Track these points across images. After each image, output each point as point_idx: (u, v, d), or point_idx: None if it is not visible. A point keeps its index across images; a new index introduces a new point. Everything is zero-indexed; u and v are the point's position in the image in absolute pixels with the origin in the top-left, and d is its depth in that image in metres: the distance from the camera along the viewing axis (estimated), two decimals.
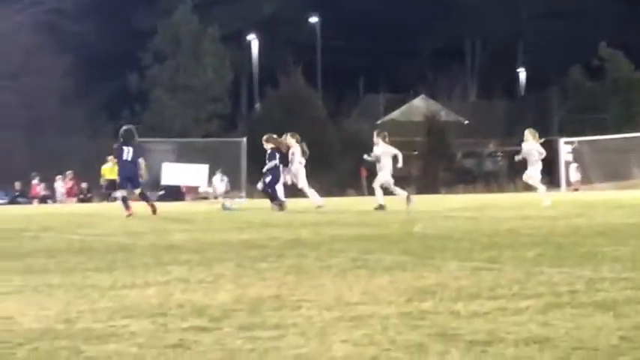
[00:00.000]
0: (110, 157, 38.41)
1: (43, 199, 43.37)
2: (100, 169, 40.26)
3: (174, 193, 37.31)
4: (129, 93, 60.65)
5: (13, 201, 41.95)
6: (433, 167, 49.36)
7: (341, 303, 7.07)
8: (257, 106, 66.26)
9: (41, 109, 52.85)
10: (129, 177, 20.82)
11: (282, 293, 7.73)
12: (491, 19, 69.39)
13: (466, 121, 60.34)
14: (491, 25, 69.83)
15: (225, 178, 44.10)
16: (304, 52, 63.78)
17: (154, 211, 21.37)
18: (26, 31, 55.28)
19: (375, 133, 24.11)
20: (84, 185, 45.69)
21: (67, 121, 43.65)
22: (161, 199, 36.08)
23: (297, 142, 24.43)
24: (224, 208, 25.27)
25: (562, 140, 46.62)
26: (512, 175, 45.54)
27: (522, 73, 76.46)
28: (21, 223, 18.81)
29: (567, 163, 46.36)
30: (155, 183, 39.05)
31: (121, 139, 20.83)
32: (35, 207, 35.28)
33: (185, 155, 42.95)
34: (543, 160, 23.56)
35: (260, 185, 24.65)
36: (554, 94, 62.60)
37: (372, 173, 27.00)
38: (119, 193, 21.16)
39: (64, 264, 10.43)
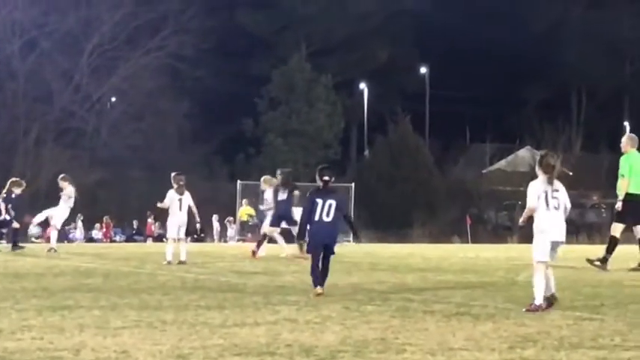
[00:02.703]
0: (245, 200, 40.21)
1: (158, 238, 44.48)
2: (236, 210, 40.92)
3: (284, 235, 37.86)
4: (243, 137, 61.87)
5: (129, 239, 43.07)
6: None
7: (444, 348, 7.22)
8: (366, 152, 66.68)
9: (160, 151, 54.19)
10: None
11: (387, 336, 7.92)
12: (597, 72, 68.96)
13: (570, 173, 59.72)
14: (597, 77, 69.38)
15: None
16: (413, 101, 64.25)
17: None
18: (148, 75, 57.03)
19: None
20: (198, 225, 46.58)
21: (184, 162, 44.64)
22: (271, 241, 36.72)
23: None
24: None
25: None
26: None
27: (628, 127, 75.47)
28: (137, 261, 19.45)
29: None
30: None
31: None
32: (150, 245, 36.25)
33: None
34: None
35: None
36: None
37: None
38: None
39: (178, 301, 10.83)
